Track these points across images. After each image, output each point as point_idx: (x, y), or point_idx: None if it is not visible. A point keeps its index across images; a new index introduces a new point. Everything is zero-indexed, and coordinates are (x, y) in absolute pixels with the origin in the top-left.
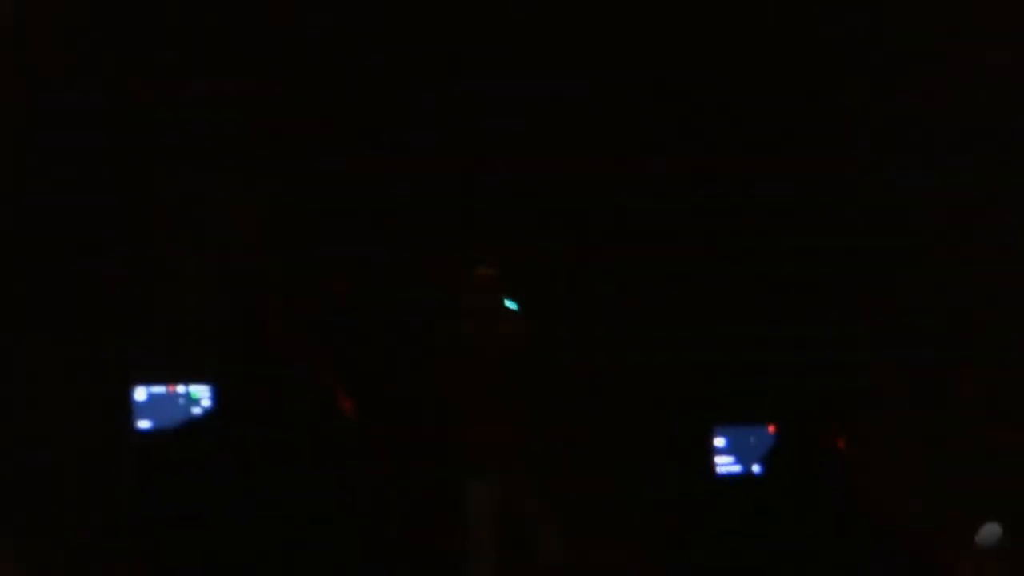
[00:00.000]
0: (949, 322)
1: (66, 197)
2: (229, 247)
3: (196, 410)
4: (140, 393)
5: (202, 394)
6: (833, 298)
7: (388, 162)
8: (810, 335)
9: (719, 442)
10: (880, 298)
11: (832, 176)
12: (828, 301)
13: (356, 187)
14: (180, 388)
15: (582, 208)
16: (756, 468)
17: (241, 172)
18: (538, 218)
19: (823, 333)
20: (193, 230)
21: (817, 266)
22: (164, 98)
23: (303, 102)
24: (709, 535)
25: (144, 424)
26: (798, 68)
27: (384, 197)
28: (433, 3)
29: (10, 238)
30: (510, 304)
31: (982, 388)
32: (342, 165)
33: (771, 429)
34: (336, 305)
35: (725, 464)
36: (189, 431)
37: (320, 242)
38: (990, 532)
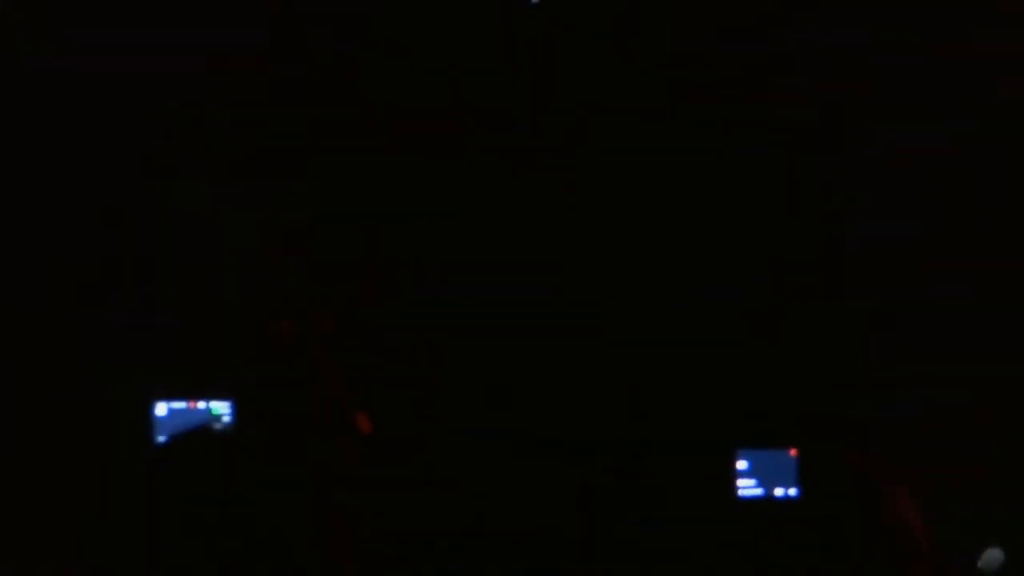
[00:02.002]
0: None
1: (87, 210)
2: (250, 261)
3: (216, 426)
4: (160, 408)
5: (223, 410)
6: (859, 318)
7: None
8: (834, 356)
9: (741, 465)
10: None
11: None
12: (854, 321)
13: (375, 199)
14: (201, 404)
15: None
16: (778, 491)
17: (264, 186)
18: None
19: (848, 354)
20: (214, 244)
21: (842, 284)
22: (183, 107)
23: (329, 116)
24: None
25: (164, 439)
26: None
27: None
28: None
29: (33, 250)
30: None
31: (1004, 411)
32: (366, 179)
33: (793, 452)
34: (354, 320)
35: (747, 487)
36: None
37: (339, 257)
38: (992, 558)
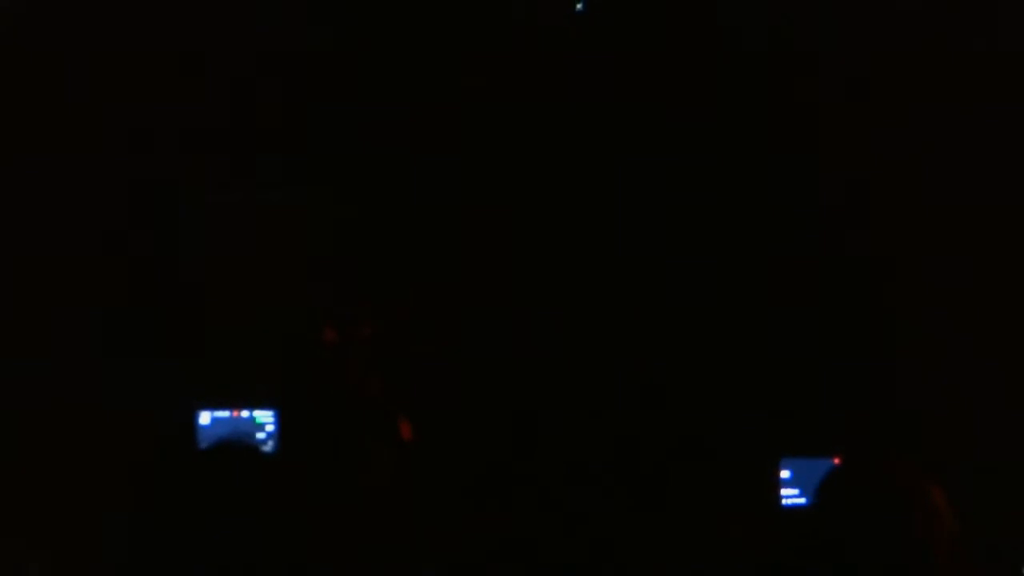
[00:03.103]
0: None
1: (133, 218)
2: (293, 272)
3: (260, 435)
4: (204, 417)
5: (266, 419)
6: (901, 326)
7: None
8: (877, 363)
9: (784, 474)
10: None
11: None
12: (897, 330)
13: (418, 211)
14: (244, 413)
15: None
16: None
17: (310, 196)
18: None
19: (891, 361)
20: (258, 254)
21: (884, 292)
22: (226, 116)
23: (376, 127)
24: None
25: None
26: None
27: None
28: None
29: (79, 257)
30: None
31: None
32: (408, 191)
33: (836, 461)
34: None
35: (791, 496)
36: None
37: (382, 268)
38: None
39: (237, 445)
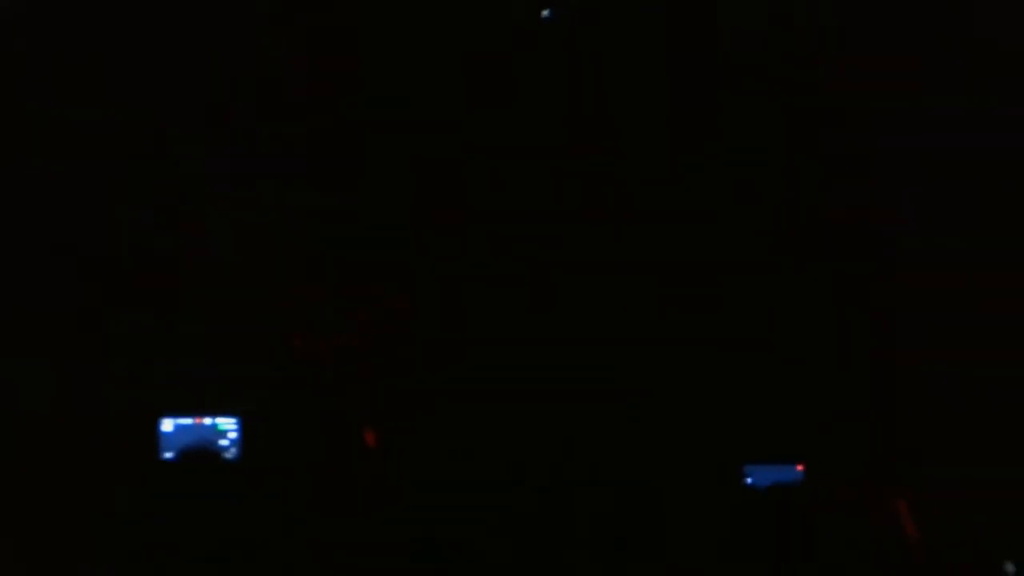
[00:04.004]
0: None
1: (98, 220)
2: (264, 276)
3: (223, 442)
4: (167, 424)
5: (229, 426)
6: (867, 332)
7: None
8: (843, 370)
9: (748, 480)
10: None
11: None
12: (862, 335)
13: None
14: (207, 420)
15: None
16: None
17: (283, 198)
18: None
19: (857, 369)
20: (227, 258)
21: (853, 296)
22: (202, 113)
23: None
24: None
25: (170, 455)
26: None
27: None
28: None
29: (41, 259)
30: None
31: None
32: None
33: (799, 467)
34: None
35: None
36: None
37: (358, 274)
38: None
39: (204, 453)
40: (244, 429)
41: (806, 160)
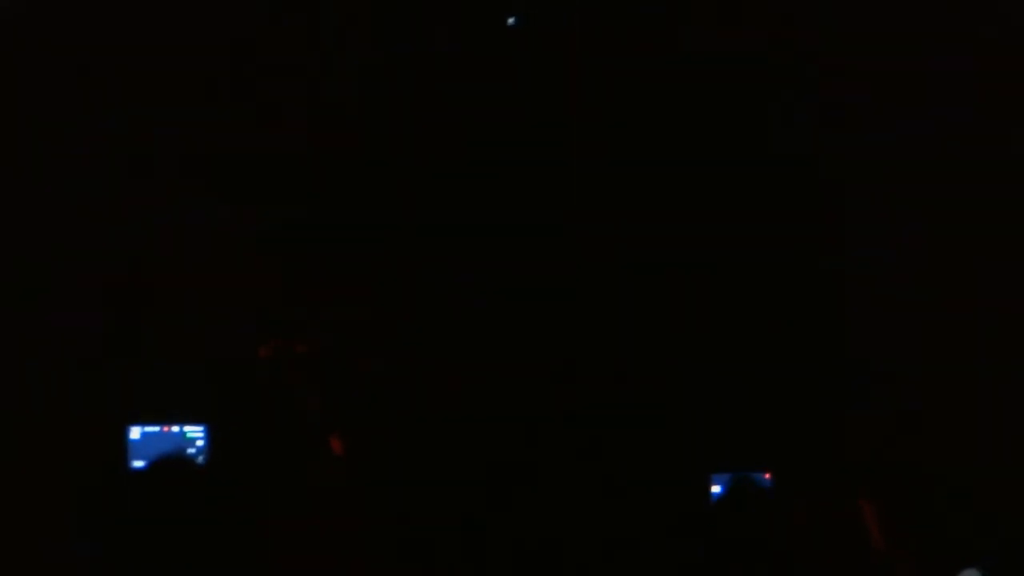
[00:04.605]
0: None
1: (63, 230)
2: (227, 286)
3: (191, 450)
4: (135, 432)
5: (196, 434)
6: (835, 343)
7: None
8: (810, 380)
9: (715, 489)
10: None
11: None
12: (830, 347)
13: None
14: (175, 428)
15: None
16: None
17: (243, 210)
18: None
19: (824, 378)
20: (192, 269)
21: (820, 310)
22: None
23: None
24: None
25: (139, 463)
26: None
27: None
28: None
29: (8, 269)
30: None
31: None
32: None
33: (767, 475)
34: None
35: None
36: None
37: (318, 282)
38: None
39: (177, 462)
40: (211, 437)
41: (767, 166)
